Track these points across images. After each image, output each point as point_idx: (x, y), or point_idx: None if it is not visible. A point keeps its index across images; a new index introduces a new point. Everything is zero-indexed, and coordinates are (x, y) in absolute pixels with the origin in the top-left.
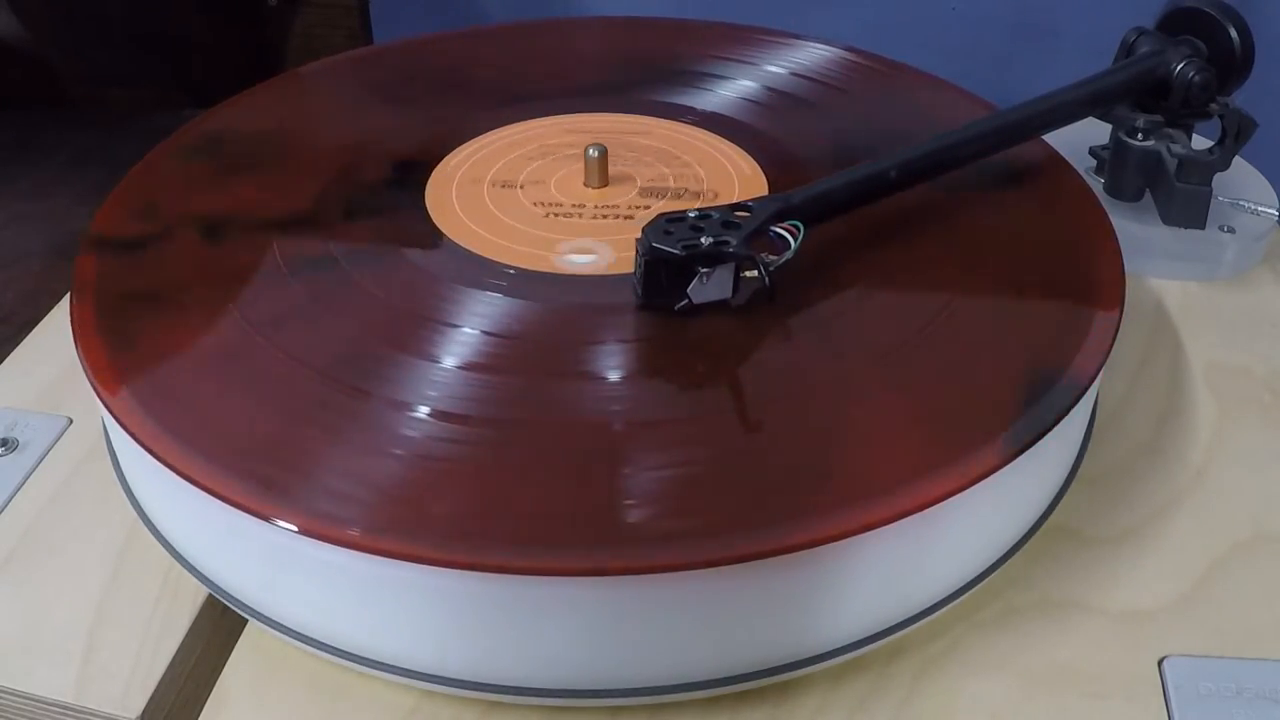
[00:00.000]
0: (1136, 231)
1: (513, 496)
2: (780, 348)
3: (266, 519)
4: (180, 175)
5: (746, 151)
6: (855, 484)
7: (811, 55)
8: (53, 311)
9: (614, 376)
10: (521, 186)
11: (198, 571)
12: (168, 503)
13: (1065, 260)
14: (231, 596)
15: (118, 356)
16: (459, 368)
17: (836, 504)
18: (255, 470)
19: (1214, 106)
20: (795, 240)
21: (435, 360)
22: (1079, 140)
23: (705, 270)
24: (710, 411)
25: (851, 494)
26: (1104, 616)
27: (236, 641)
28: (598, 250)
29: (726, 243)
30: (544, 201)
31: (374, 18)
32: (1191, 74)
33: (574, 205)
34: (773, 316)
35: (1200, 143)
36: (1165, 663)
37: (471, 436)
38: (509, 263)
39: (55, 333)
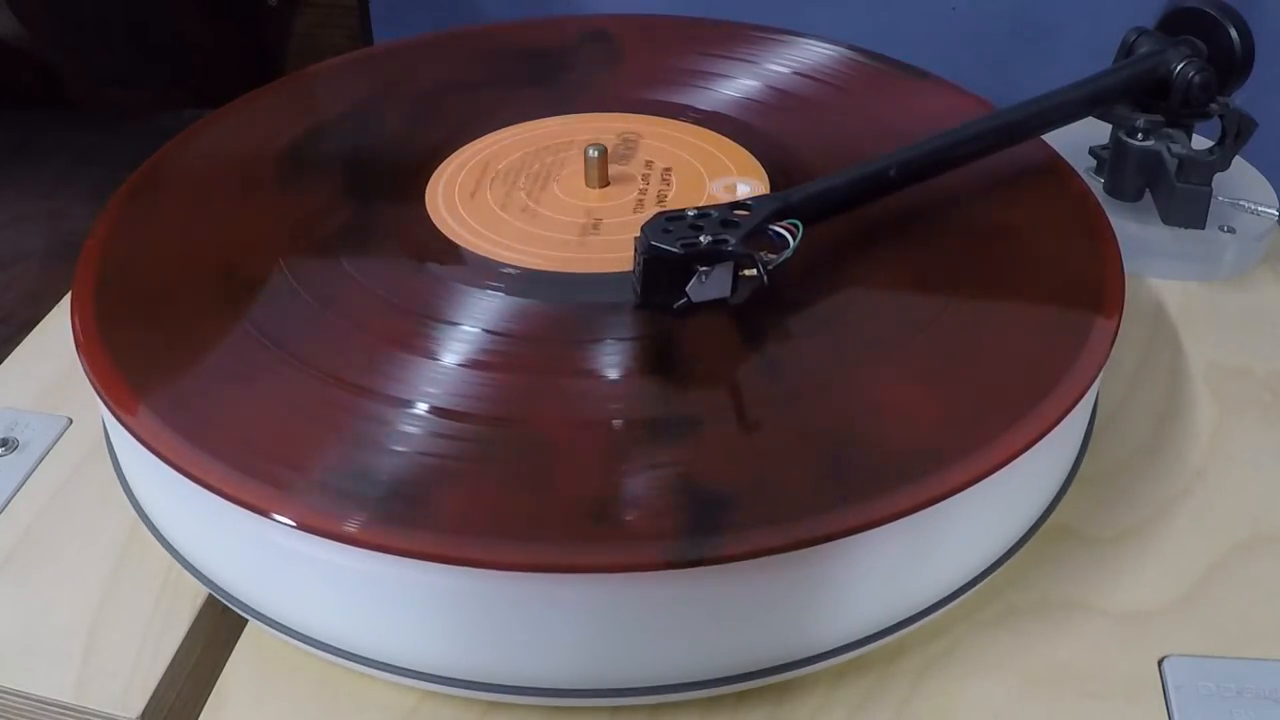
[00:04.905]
0: (1136, 231)
1: (512, 495)
2: (779, 347)
3: (267, 515)
4: (182, 179)
5: (747, 151)
6: (855, 483)
7: (812, 54)
8: (53, 311)
9: (613, 375)
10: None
11: (198, 571)
12: (168, 502)
13: (1065, 260)
14: (231, 596)
15: (117, 356)
16: (459, 365)
17: (837, 503)
18: (255, 467)
19: (1214, 106)
20: (794, 239)
21: (436, 358)
22: (1079, 140)
23: (704, 269)
24: (709, 410)
25: (852, 493)
26: (1104, 616)
27: (236, 641)
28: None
29: (725, 241)
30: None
31: (374, 17)
32: (1191, 74)
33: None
34: (772, 315)
35: (1200, 143)
36: (1165, 663)
37: (471, 434)
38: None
39: (55, 333)
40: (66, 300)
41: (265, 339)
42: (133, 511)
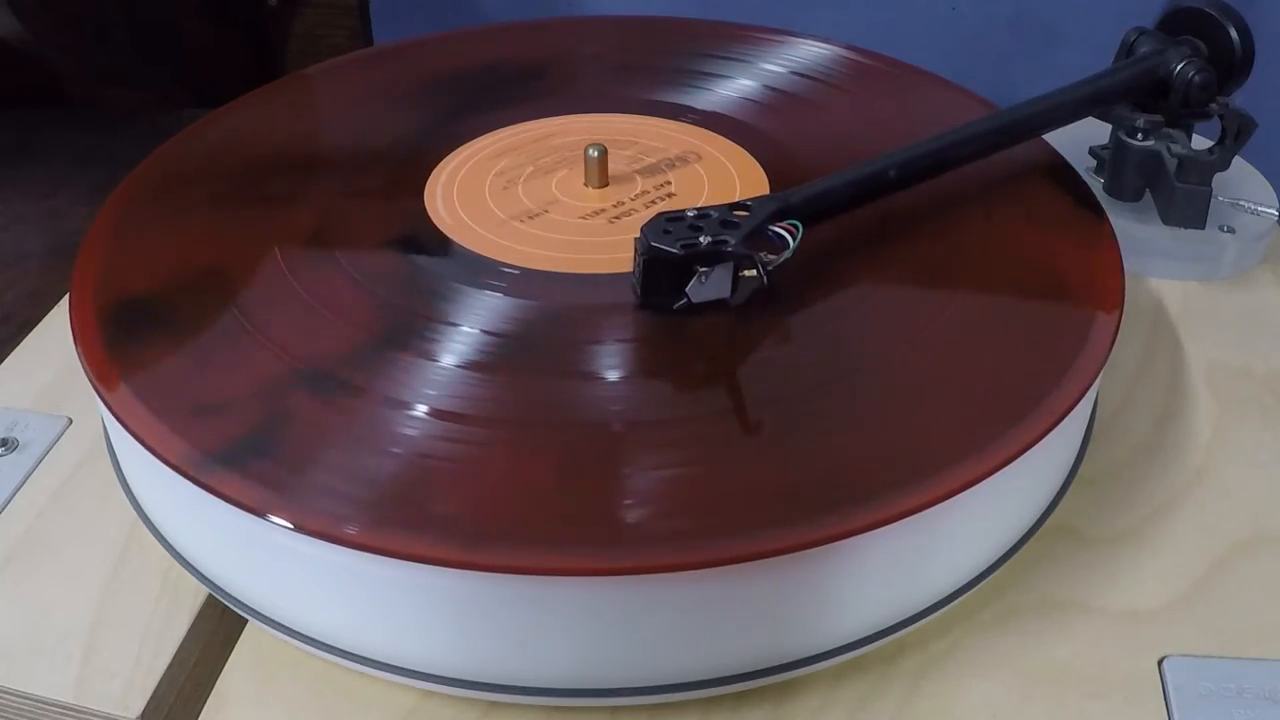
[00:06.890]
0: (1136, 231)
1: (512, 496)
2: (779, 347)
3: (266, 517)
4: (181, 179)
5: (746, 151)
6: (855, 484)
7: (811, 54)
8: (53, 311)
9: (613, 376)
10: (546, 210)
11: (198, 571)
12: (168, 502)
13: (1065, 260)
14: (231, 596)
15: (117, 356)
16: (459, 367)
17: (836, 504)
18: (255, 469)
19: (1214, 106)
20: (794, 240)
21: (435, 359)
22: (1079, 140)
23: (703, 270)
24: (709, 411)
25: (852, 494)
26: (1104, 616)
27: (236, 641)
28: None
29: (725, 242)
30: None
31: (374, 17)
32: (1191, 74)
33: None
34: (771, 316)
35: (1200, 143)
36: (1165, 663)
37: (471, 436)
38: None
39: (55, 333)
40: (66, 300)
41: (264, 340)
42: (133, 511)
